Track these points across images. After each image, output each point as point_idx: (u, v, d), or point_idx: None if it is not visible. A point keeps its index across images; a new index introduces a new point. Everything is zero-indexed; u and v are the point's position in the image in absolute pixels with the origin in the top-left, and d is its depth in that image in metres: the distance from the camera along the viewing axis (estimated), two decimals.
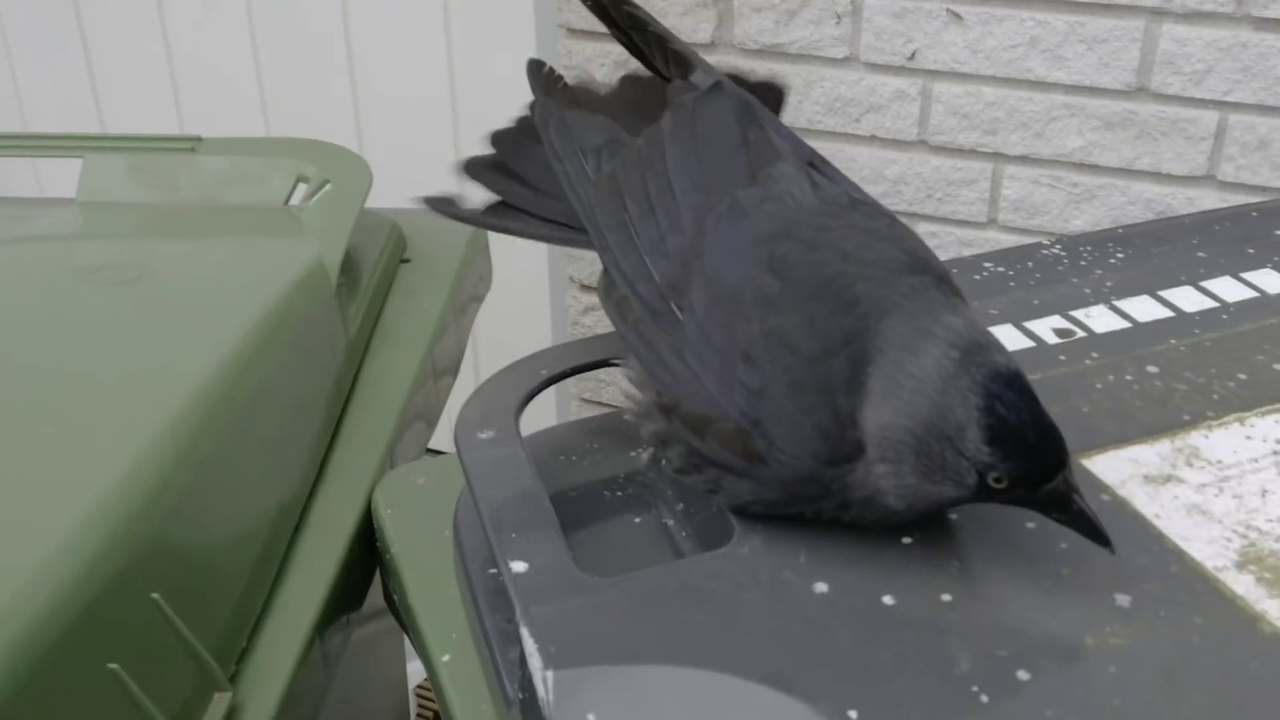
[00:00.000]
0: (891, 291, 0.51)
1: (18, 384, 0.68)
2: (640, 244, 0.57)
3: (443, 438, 0.76)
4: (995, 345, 0.51)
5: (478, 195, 0.66)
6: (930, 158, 1.53)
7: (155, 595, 0.56)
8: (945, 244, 1.57)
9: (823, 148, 1.57)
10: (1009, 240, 1.54)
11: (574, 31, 1.62)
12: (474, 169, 0.65)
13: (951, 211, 1.55)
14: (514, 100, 0.67)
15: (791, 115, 1.56)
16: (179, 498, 0.60)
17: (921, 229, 1.57)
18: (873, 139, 1.55)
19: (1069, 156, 1.47)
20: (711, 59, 1.56)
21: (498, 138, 0.66)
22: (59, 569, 0.53)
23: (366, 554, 0.72)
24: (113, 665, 0.53)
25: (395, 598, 0.69)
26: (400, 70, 1.78)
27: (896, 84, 1.51)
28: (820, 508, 0.54)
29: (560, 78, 0.66)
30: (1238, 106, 1.38)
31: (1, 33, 2.03)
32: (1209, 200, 1.43)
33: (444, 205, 0.65)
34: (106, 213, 0.90)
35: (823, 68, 1.54)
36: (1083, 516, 0.51)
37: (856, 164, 1.56)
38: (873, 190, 1.55)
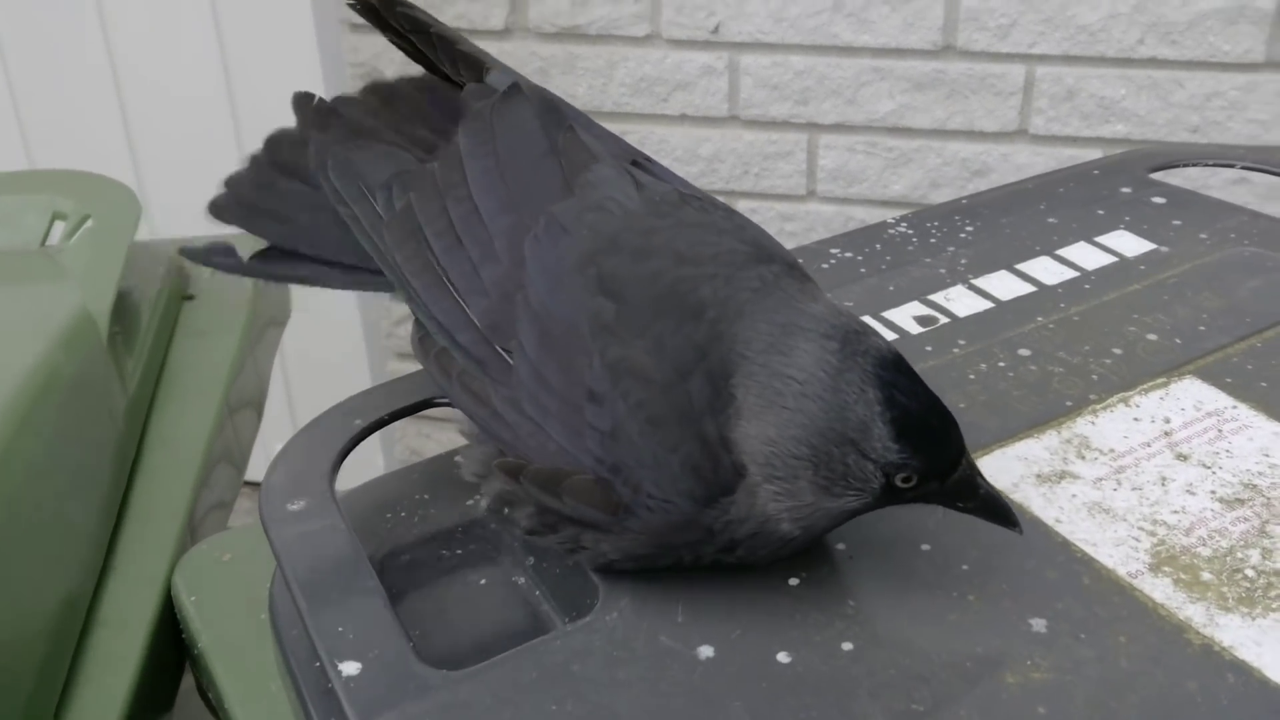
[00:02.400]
0: (739, 289, 0.45)
1: None
2: (452, 284, 0.49)
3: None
4: (867, 329, 0.45)
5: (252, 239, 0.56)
6: (744, 133, 1.48)
7: None
8: (766, 219, 1.52)
9: (632, 130, 1.51)
10: (830, 211, 1.51)
11: (358, 27, 1.52)
12: (225, 210, 0.56)
13: (770, 186, 1.51)
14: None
15: (597, 99, 1.50)
16: None
17: (741, 206, 1.52)
18: (683, 118, 1.49)
19: (882, 121, 1.44)
20: (508, 45, 1.48)
21: (235, 181, 0.56)
22: None
23: (172, 648, 0.62)
24: None
25: (210, 696, 0.60)
26: (170, 84, 1.64)
27: (702, 59, 1.45)
28: (700, 553, 0.47)
29: (332, 109, 0.57)
30: (1044, 58, 1.37)
31: None
32: (1023, 155, 1.42)
33: (209, 255, 0.56)
34: None
35: (625, 47, 1.47)
36: (991, 501, 0.46)
37: (669, 145, 1.50)
38: (688, 170, 1.50)
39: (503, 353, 0.48)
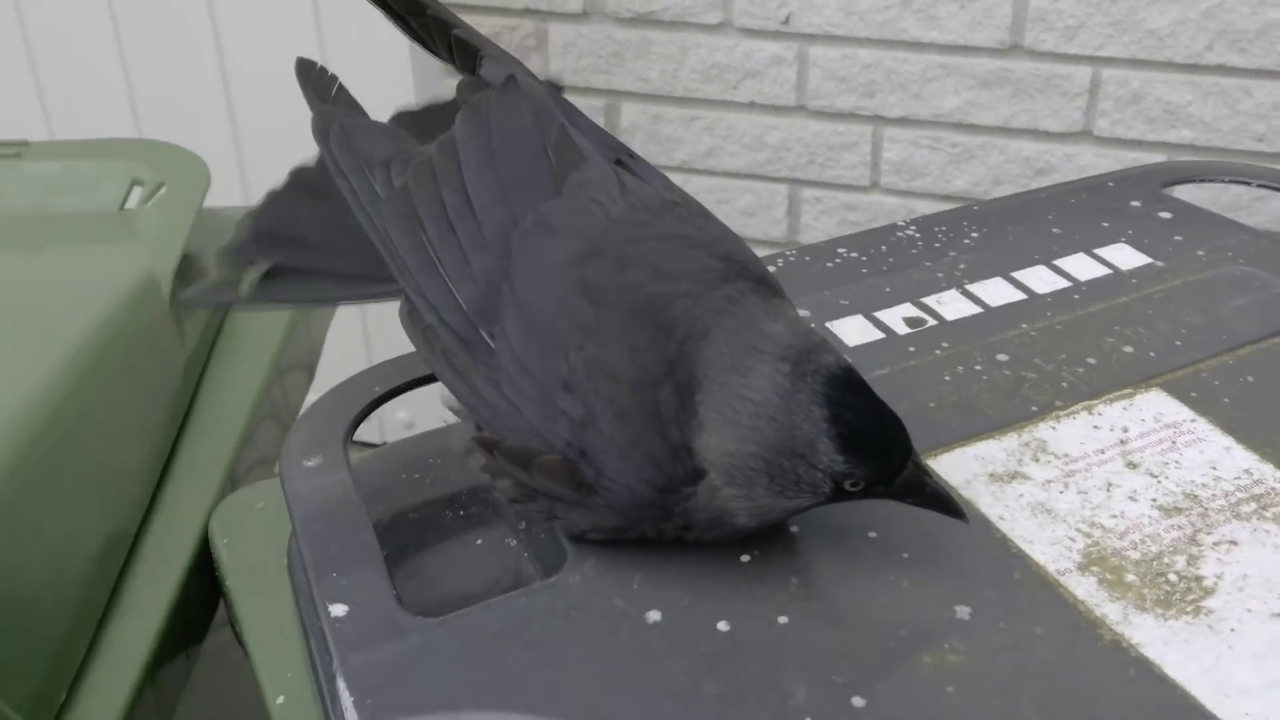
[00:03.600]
0: (708, 308, 0.49)
1: None
2: (442, 268, 0.54)
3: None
4: (822, 345, 0.49)
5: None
6: (810, 123, 1.51)
7: None
8: (830, 209, 1.55)
9: (702, 116, 1.55)
10: (893, 204, 1.53)
11: (462, 6, 1.57)
12: (238, 253, 0.58)
13: (835, 176, 1.53)
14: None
15: (668, 84, 1.53)
16: None
17: (805, 195, 1.55)
18: (751, 106, 1.52)
19: (947, 117, 1.46)
20: (585, 29, 1.53)
21: (258, 214, 0.59)
22: None
23: (207, 585, 0.69)
24: None
25: (237, 631, 0.66)
26: (270, 64, 1.71)
27: (772, 49, 1.48)
28: (662, 529, 0.51)
29: (335, 79, 0.60)
30: (1110, 61, 1.38)
31: None
32: (1086, 156, 1.43)
33: (208, 297, 0.60)
34: None
35: (697, 34, 1.51)
36: (937, 496, 0.50)
37: (737, 131, 1.54)
38: (754, 158, 1.54)
39: (486, 336, 0.52)
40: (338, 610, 0.50)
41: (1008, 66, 1.41)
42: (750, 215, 1.58)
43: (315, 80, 0.60)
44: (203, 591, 0.68)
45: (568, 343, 0.50)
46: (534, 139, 0.55)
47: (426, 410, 1.79)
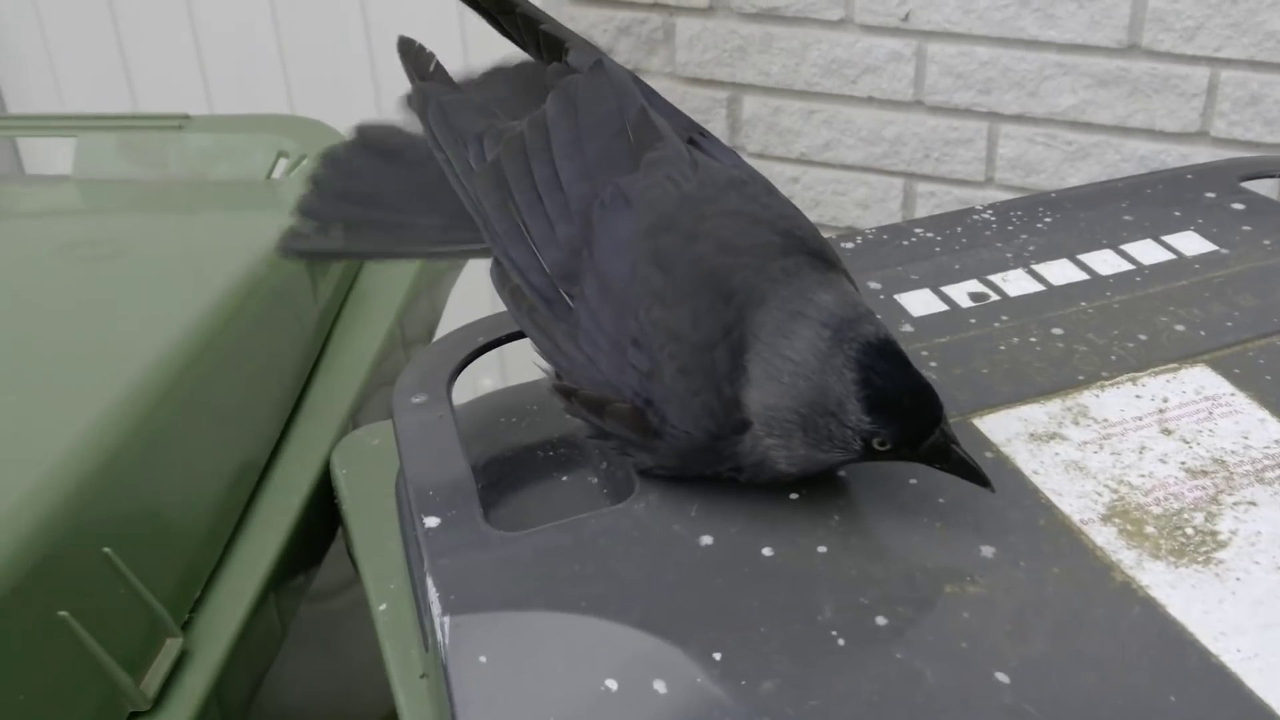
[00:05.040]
0: (765, 279, 0.54)
1: None
2: (529, 235, 0.59)
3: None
4: (865, 316, 0.54)
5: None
6: (927, 118, 1.55)
7: (107, 549, 0.61)
8: (944, 203, 1.59)
9: (821, 109, 1.60)
10: (1007, 200, 1.55)
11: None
12: (313, 207, 0.64)
13: (949, 171, 1.57)
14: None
15: (789, 78, 1.58)
16: (135, 460, 0.65)
17: (920, 189, 1.58)
18: (870, 100, 1.57)
19: (1063, 115, 1.48)
20: (710, 23, 1.59)
21: (329, 157, 0.65)
22: (14, 525, 0.58)
23: (326, 513, 0.77)
24: (63, 613, 0.58)
25: (350, 552, 0.74)
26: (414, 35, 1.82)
27: (891, 45, 1.52)
28: (718, 470, 0.57)
29: (433, 56, 0.66)
30: (1229, 63, 1.38)
31: (38, 19, 2.10)
32: (1202, 156, 1.44)
33: (297, 243, 0.65)
34: (96, 189, 0.95)
35: (819, 30, 1.55)
36: (962, 463, 0.54)
37: (854, 125, 1.58)
38: (871, 151, 1.58)
39: (566, 297, 0.58)
40: (431, 522, 0.57)
41: (1125, 66, 1.43)
42: (865, 208, 1.63)
43: (415, 58, 0.66)
44: (322, 517, 0.76)
45: (639, 305, 0.56)
46: (616, 119, 0.61)
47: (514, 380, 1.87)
